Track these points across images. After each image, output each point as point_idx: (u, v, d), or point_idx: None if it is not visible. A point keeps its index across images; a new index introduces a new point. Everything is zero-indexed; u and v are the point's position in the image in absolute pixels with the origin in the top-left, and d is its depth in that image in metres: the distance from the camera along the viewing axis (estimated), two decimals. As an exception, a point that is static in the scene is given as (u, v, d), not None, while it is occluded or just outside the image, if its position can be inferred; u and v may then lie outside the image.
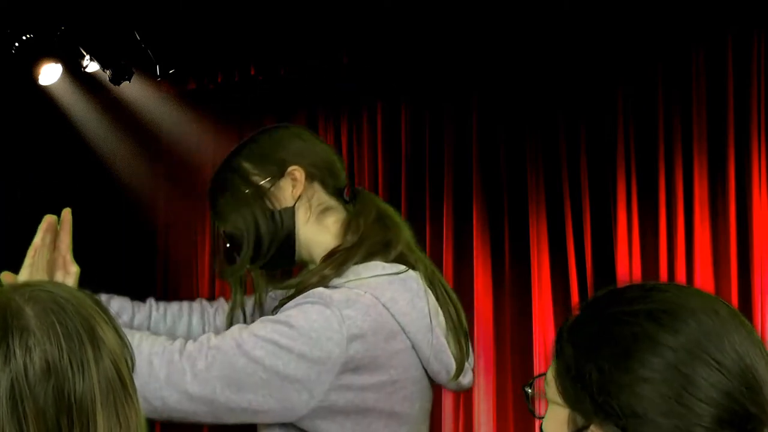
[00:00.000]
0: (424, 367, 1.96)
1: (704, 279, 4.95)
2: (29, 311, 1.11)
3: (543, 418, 1.22)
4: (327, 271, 1.94)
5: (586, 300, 1.22)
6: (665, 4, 4.96)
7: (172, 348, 1.83)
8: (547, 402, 1.22)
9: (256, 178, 2.02)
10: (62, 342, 1.10)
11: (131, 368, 1.16)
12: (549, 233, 5.39)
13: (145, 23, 5.28)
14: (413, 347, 1.93)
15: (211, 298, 6.28)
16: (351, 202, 2.07)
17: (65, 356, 1.09)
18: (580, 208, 5.30)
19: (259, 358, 1.81)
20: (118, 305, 2.21)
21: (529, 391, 1.27)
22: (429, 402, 2.05)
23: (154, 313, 2.26)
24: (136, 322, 2.21)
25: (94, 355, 1.11)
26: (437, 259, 5.65)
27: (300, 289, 1.93)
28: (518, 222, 5.48)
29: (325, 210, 2.03)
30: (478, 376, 5.47)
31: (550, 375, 1.20)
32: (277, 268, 2.09)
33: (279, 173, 2.01)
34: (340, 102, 5.99)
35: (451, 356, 1.99)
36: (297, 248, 2.03)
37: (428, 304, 1.96)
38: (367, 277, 1.92)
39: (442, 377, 2.00)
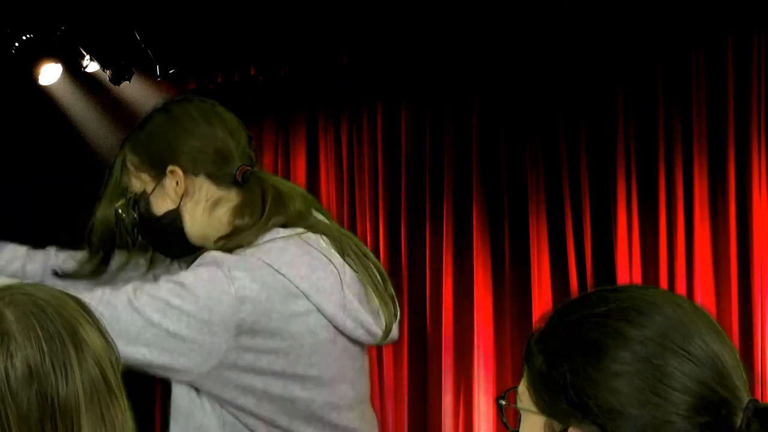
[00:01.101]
0: (337, 328, 1.93)
1: (704, 279, 4.95)
2: (9, 315, 1.09)
3: (516, 430, 1.22)
4: (220, 244, 1.93)
5: (548, 312, 1.23)
6: (665, 4, 4.96)
7: None
8: (519, 414, 1.23)
9: (144, 176, 2.01)
10: (44, 345, 1.08)
11: (117, 368, 1.15)
12: (549, 233, 5.39)
13: (145, 23, 5.28)
14: (318, 309, 1.90)
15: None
16: (243, 186, 2.00)
17: (47, 360, 1.08)
18: (580, 208, 5.29)
19: (148, 316, 1.80)
20: (8, 255, 2.22)
21: (503, 403, 1.27)
22: (357, 359, 2.01)
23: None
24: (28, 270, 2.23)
25: (77, 356, 1.09)
26: (437, 259, 5.65)
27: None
28: (518, 222, 5.48)
29: (216, 202, 1.99)
30: (479, 376, 5.47)
31: (522, 386, 1.21)
32: (177, 257, 2.08)
33: (161, 173, 1.99)
34: (340, 102, 5.99)
35: (368, 314, 1.96)
36: (198, 241, 2.00)
37: (333, 264, 1.93)
38: (262, 243, 1.90)
39: (360, 335, 1.96)
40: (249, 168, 2.01)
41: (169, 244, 2.03)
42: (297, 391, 1.90)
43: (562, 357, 1.14)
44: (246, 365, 1.86)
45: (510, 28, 5.24)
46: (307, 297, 1.88)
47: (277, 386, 1.89)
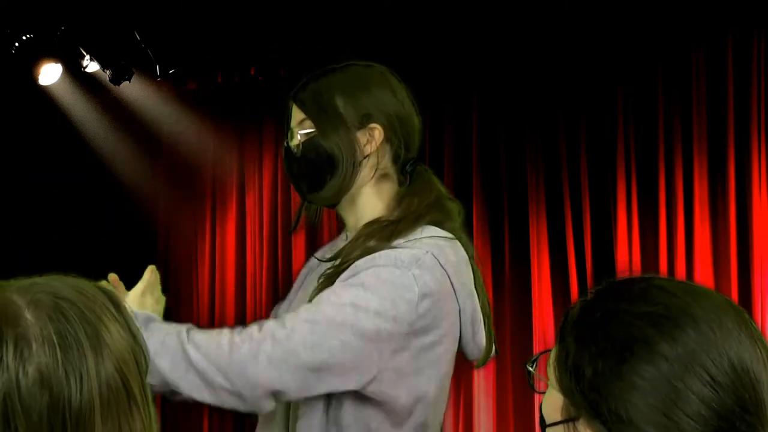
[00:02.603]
0: (461, 332, 1.96)
1: (704, 279, 4.95)
2: (29, 317, 1.05)
3: (543, 393, 1.21)
4: (371, 243, 1.91)
5: (597, 287, 1.20)
6: (665, 4, 4.96)
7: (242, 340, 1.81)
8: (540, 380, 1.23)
9: (344, 117, 1.98)
10: (59, 353, 1.04)
11: (143, 373, 1.11)
12: (549, 233, 5.39)
13: (145, 23, 5.28)
14: (459, 311, 1.93)
15: (211, 297, 6.30)
16: (409, 176, 2.03)
17: (61, 368, 1.03)
18: (580, 208, 5.30)
19: (341, 322, 1.80)
20: None
21: (532, 369, 1.25)
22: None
23: None
24: None
25: (95, 363, 1.05)
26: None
27: (344, 261, 1.91)
28: (518, 222, 5.48)
29: (384, 176, 2.00)
30: (478, 376, 5.47)
31: (552, 357, 1.19)
32: (320, 204, 2.06)
33: (360, 125, 1.97)
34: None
35: (483, 333, 2.00)
36: (344, 202, 2.00)
37: (471, 273, 1.97)
38: (424, 237, 1.90)
39: (472, 349, 1.99)
40: (420, 164, 2.06)
41: (323, 186, 1.98)
42: (423, 383, 1.90)
43: (589, 350, 1.12)
44: (404, 365, 1.87)
45: (510, 28, 5.25)
46: (456, 296, 1.92)
47: (419, 379, 1.90)
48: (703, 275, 4.96)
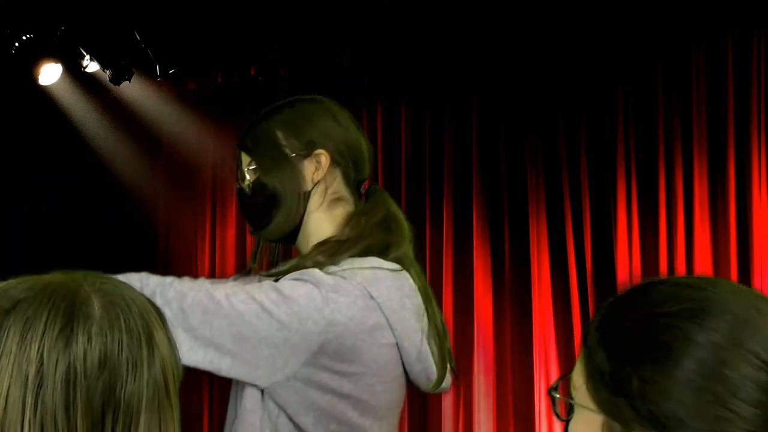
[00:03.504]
0: (404, 366, 1.97)
1: (704, 279, 4.95)
2: (96, 301, 1.12)
3: (568, 420, 1.17)
4: (320, 258, 1.94)
5: (609, 299, 1.18)
6: (665, 4, 4.96)
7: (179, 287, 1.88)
8: (567, 404, 1.18)
9: (286, 150, 2.00)
10: (123, 338, 1.10)
11: (178, 378, 1.17)
12: (549, 233, 5.39)
13: (145, 23, 5.28)
14: (397, 345, 1.93)
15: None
16: (363, 198, 2.05)
17: (123, 353, 1.10)
18: (580, 208, 5.30)
19: (241, 312, 1.83)
20: None
21: (557, 396, 1.20)
22: (402, 400, 2.05)
23: None
24: None
25: (148, 358, 1.11)
26: (437, 259, 5.65)
27: (290, 272, 1.94)
28: (518, 222, 5.48)
29: (338, 200, 2.02)
30: (479, 376, 5.47)
31: (579, 379, 1.15)
32: (277, 241, 2.09)
33: (305, 153, 2.00)
34: (340, 102, 5.97)
35: (433, 362, 2.00)
36: (301, 231, 2.03)
37: (416, 307, 1.97)
38: (362, 268, 1.92)
39: (421, 380, 2.01)
40: (373, 185, 2.08)
41: (270, 222, 2.02)
42: (355, 417, 1.93)
43: (628, 359, 1.09)
44: (316, 382, 1.89)
45: (510, 28, 5.25)
46: (392, 331, 1.92)
47: (338, 408, 1.91)
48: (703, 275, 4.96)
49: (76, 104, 5.97)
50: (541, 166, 5.43)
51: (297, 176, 1.99)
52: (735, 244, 4.91)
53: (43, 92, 5.72)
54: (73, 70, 5.49)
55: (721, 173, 4.99)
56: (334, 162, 2.00)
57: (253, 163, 2.02)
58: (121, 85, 5.50)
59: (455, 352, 5.57)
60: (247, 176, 2.03)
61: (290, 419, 1.92)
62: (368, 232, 1.97)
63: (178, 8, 5.16)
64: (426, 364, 1.99)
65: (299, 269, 1.93)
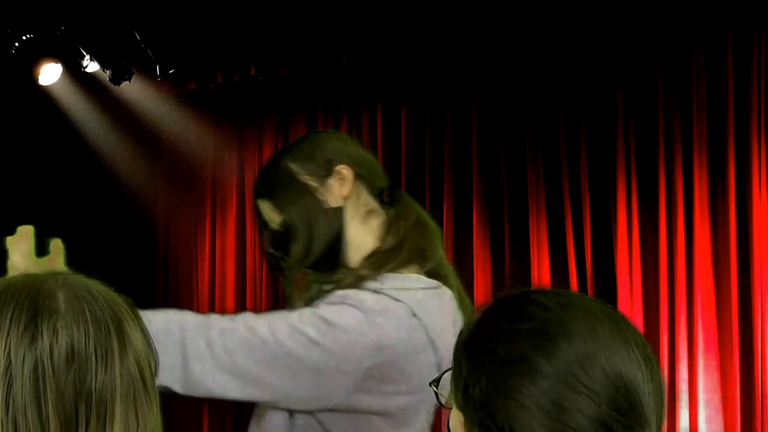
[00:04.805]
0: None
1: (704, 279, 4.95)
2: (61, 295, 1.11)
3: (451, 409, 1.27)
4: (364, 272, 1.94)
5: (490, 302, 1.26)
6: (665, 4, 4.96)
7: (208, 324, 1.84)
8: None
9: (305, 178, 1.99)
10: (90, 329, 1.10)
11: (154, 371, 1.16)
12: (549, 233, 5.39)
13: (145, 23, 5.28)
14: (438, 364, 1.92)
15: (211, 297, 6.30)
16: (390, 205, 2.04)
17: (91, 344, 1.09)
18: (580, 208, 5.30)
19: (287, 347, 1.81)
20: None
21: (435, 389, 1.31)
22: (432, 415, 2.07)
23: None
24: None
25: (119, 349, 1.11)
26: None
27: (337, 287, 1.94)
28: (518, 222, 5.48)
29: (370, 211, 2.01)
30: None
31: (451, 377, 1.24)
32: (321, 269, 2.03)
33: (326, 173, 1.98)
34: (340, 102, 5.99)
35: None
36: (343, 248, 2.01)
37: (455, 319, 1.97)
38: (406, 289, 1.91)
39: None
40: (396, 191, 2.08)
41: (327, 245, 2.00)
42: (386, 428, 1.94)
43: (477, 369, 1.17)
44: (361, 405, 1.90)
45: (510, 29, 5.25)
46: (434, 350, 1.91)
47: (375, 423, 1.93)
48: (703, 275, 4.96)
49: (76, 104, 5.98)
50: (541, 166, 5.43)
51: (319, 198, 1.98)
52: (735, 244, 4.90)
53: (43, 92, 5.72)
54: (73, 70, 5.49)
55: (721, 173, 4.99)
56: (358, 175, 2.00)
57: (276, 204, 2.01)
58: (121, 85, 5.50)
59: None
60: (275, 219, 2.01)
61: (321, 425, 1.93)
62: (406, 237, 1.97)
63: (178, 8, 5.17)
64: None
65: (341, 283, 1.93)
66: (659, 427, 1.17)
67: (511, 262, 5.51)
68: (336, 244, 2.00)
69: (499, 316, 1.22)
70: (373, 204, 2.02)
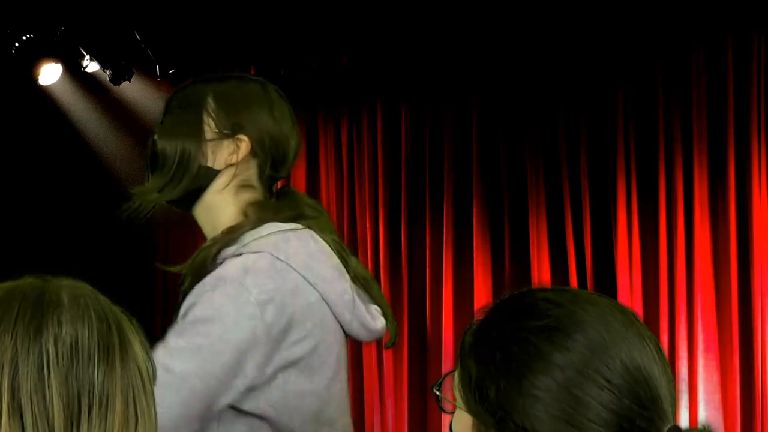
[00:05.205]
0: (336, 318, 1.93)
1: (704, 279, 4.95)
2: (65, 296, 1.16)
3: (452, 414, 1.25)
4: (214, 248, 1.93)
5: (490, 304, 1.25)
6: (665, 4, 4.96)
7: None
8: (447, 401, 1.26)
9: (210, 122, 1.96)
10: (93, 323, 1.14)
11: (152, 380, 1.20)
12: (549, 233, 5.39)
13: (145, 23, 5.28)
14: (323, 298, 1.89)
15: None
16: (273, 197, 2.01)
17: (94, 337, 1.14)
18: (580, 208, 5.30)
19: (188, 372, 1.76)
20: None
21: (438, 393, 1.29)
22: (346, 356, 2.01)
23: None
24: None
25: (119, 345, 1.15)
26: (437, 259, 5.65)
27: (197, 264, 1.93)
28: (518, 222, 5.48)
29: (246, 187, 1.97)
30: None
31: (456, 379, 1.23)
32: (146, 200, 2.07)
33: (227, 133, 1.96)
34: (340, 102, 5.99)
35: (364, 309, 1.96)
36: (198, 207, 2.01)
37: (329, 256, 1.93)
38: (261, 237, 1.88)
39: (359, 332, 1.96)
40: (286, 185, 2.06)
41: (182, 191, 2.00)
42: (305, 383, 1.88)
43: (489, 370, 1.17)
44: (285, 362, 1.85)
45: (510, 29, 5.25)
46: (313, 286, 1.87)
47: (290, 377, 1.87)
48: (703, 275, 4.96)
49: (76, 104, 5.97)
50: (541, 166, 5.42)
51: (205, 151, 1.95)
52: (735, 244, 4.90)
53: (43, 92, 5.71)
54: (73, 70, 5.49)
55: (721, 173, 4.99)
56: (253, 152, 1.96)
57: (173, 119, 2.00)
58: (121, 85, 5.50)
59: (455, 352, 5.57)
60: (161, 130, 2.00)
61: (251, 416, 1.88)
62: (273, 219, 1.93)
63: (178, 8, 5.16)
64: (358, 313, 1.94)
65: (204, 258, 1.92)
66: (674, 419, 1.16)
67: (511, 262, 5.51)
68: (193, 195, 1.99)
69: (509, 317, 1.21)
70: (256, 183, 1.98)
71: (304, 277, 1.86)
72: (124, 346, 1.16)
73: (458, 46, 5.42)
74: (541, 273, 5.36)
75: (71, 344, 1.12)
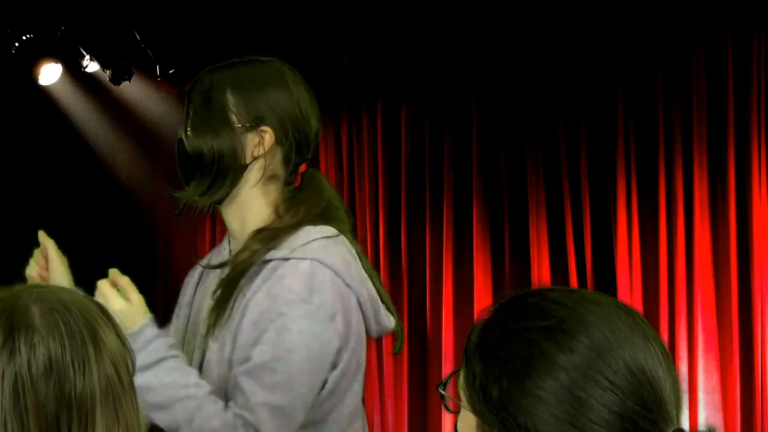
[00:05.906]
0: (363, 317, 1.99)
1: (704, 279, 4.95)
2: (35, 310, 1.16)
3: (457, 413, 1.25)
4: (255, 246, 1.93)
5: (495, 304, 1.24)
6: (665, 4, 4.96)
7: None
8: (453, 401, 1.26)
9: (233, 117, 1.97)
10: (65, 340, 1.14)
11: (132, 370, 1.21)
12: (549, 233, 5.39)
13: (145, 23, 5.28)
14: (358, 300, 1.95)
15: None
16: (299, 180, 2.04)
17: (68, 354, 1.14)
18: (580, 208, 5.30)
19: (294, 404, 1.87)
20: None
21: (443, 392, 1.29)
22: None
23: None
24: None
25: (95, 355, 1.15)
26: (437, 259, 5.65)
27: (234, 266, 1.94)
28: (518, 222, 5.48)
29: (273, 177, 1.99)
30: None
31: (461, 379, 1.23)
32: (188, 201, 2.06)
33: (251, 126, 1.97)
34: (340, 102, 5.99)
35: (384, 314, 2.02)
36: (228, 202, 2.00)
37: (357, 260, 1.98)
38: (306, 243, 1.90)
39: (372, 328, 2.02)
40: (310, 169, 2.07)
41: (228, 190, 1.99)
42: (360, 380, 2.00)
43: (493, 370, 1.16)
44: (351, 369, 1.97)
45: (510, 29, 5.25)
46: (351, 288, 1.93)
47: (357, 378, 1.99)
48: (703, 275, 4.96)
49: (76, 104, 5.98)
50: (541, 166, 5.42)
51: (235, 147, 1.96)
52: (735, 244, 4.90)
53: (43, 92, 5.72)
54: (73, 70, 5.49)
55: (721, 173, 4.98)
56: (278, 142, 1.97)
57: (200, 120, 2.00)
58: (121, 85, 5.50)
59: (455, 352, 5.58)
60: (189, 131, 2.00)
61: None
62: (307, 221, 1.95)
63: (178, 8, 5.16)
64: (380, 315, 2.01)
65: (238, 261, 1.93)
66: (678, 422, 1.15)
67: (511, 262, 5.51)
68: (225, 192, 1.98)
69: (513, 317, 1.20)
70: (280, 171, 2.00)
71: (345, 282, 1.92)
72: (99, 351, 1.16)
73: (458, 47, 5.43)
74: (541, 273, 5.36)
75: (45, 365, 1.12)
